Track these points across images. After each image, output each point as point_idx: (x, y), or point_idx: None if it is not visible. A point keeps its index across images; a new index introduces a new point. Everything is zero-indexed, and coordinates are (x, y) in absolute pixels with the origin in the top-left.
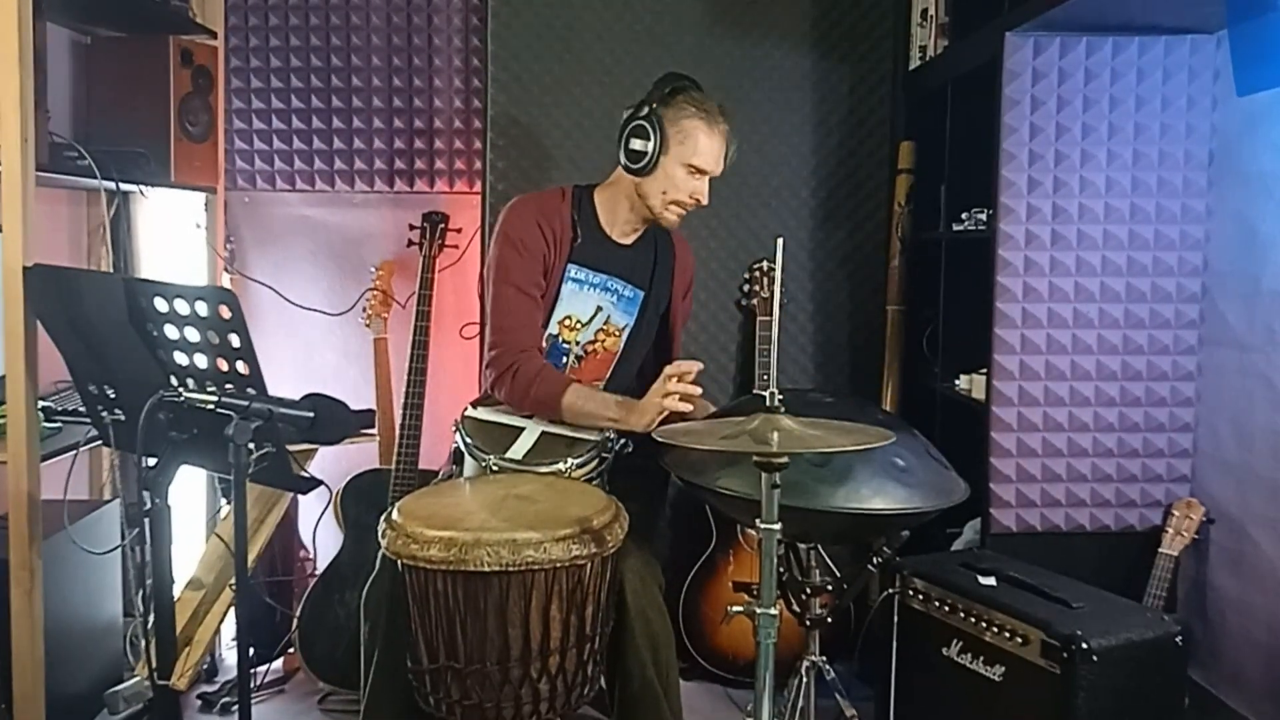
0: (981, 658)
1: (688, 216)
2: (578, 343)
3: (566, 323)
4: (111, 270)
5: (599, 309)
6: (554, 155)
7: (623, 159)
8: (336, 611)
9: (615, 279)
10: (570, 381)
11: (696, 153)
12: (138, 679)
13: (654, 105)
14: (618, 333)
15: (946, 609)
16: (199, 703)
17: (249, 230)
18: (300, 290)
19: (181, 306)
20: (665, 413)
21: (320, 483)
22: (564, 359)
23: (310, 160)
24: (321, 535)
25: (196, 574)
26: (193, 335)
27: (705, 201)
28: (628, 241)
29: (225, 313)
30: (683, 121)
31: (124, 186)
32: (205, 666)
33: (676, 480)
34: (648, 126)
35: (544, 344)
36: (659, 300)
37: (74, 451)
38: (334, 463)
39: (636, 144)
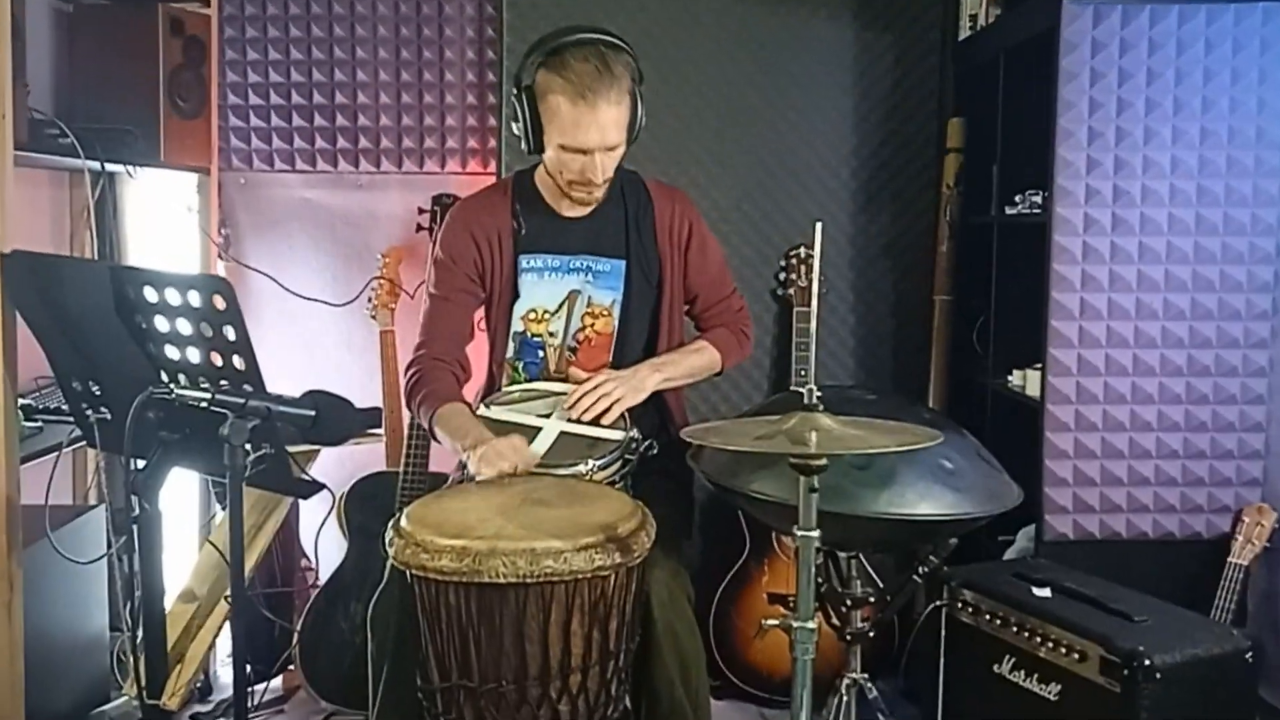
0: (1036, 675)
1: (713, 198)
2: (553, 334)
3: (531, 316)
4: (96, 257)
5: (573, 293)
6: None
7: None
8: (340, 626)
9: (581, 256)
10: (451, 401)
11: (562, 131)
12: (125, 698)
13: (522, 79)
14: (606, 312)
15: (998, 623)
16: None
17: (245, 214)
18: (300, 279)
19: (173, 296)
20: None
21: (322, 486)
22: (540, 353)
23: (311, 138)
24: (324, 543)
25: (189, 585)
26: (185, 327)
27: (600, 179)
28: (584, 213)
29: (220, 303)
30: (549, 97)
31: (110, 167)
32: (198, 685)
33: (706, 484)
34: (516, 106)
35: (511, 343)
36: (646, 264)
37: (56, 453)
38: (337, 465)
39: (515, 126)
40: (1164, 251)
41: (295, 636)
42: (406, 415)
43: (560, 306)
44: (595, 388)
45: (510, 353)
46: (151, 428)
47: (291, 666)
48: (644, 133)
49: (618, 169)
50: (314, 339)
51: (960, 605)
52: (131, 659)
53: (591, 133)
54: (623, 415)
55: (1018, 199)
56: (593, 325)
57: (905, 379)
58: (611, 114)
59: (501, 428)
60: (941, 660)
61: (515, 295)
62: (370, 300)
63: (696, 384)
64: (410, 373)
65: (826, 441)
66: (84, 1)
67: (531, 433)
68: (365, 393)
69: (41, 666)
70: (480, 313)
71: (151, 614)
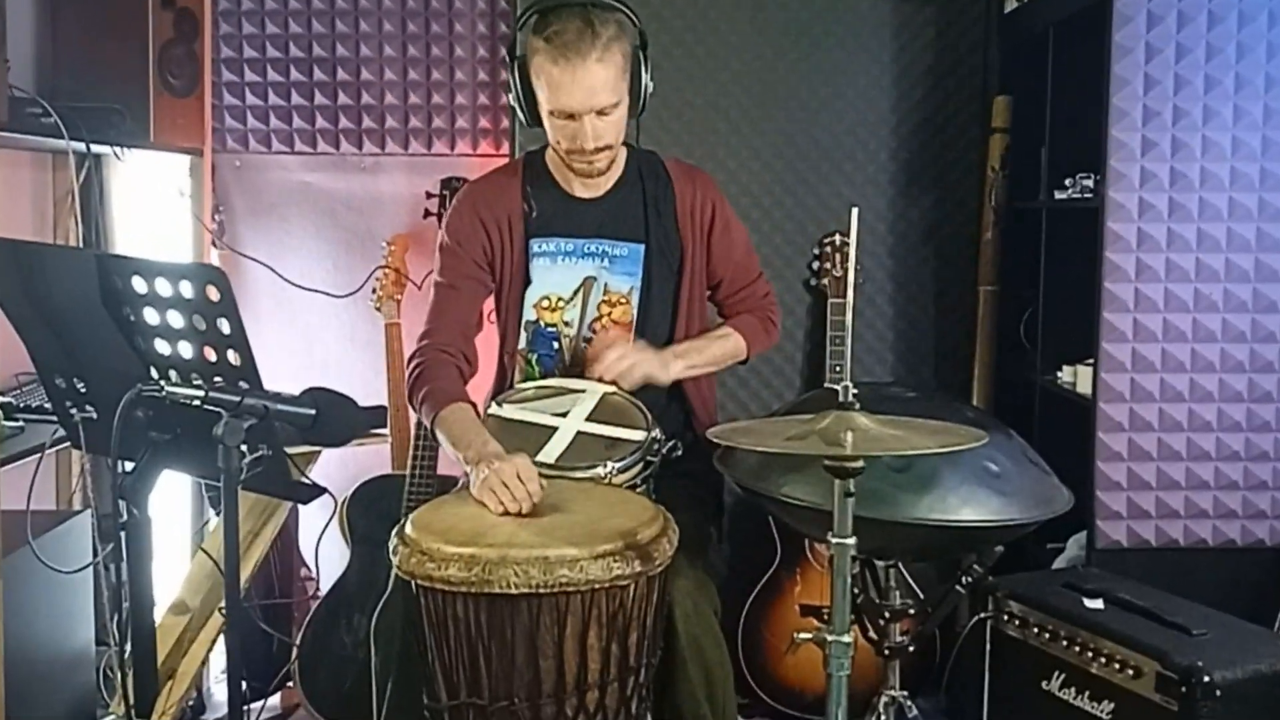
0: (1087, 692)
1: (741, 182)
2: (568, 323)
3: (545, 304)
4: (82, 245)
5: (588, 280)
6: None
7: None
8: (343, 639)
9: (597, 240)
10: (455, 401)
11: (549, 94)
12: (113, 717)
13: (514, 50)
14: (624, 299)
15: (1047, 636)
16: None
17: (241, 199)
18: (300, 268)
19: (163, 287)
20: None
21: (324, 491)
22: (555, 344)
23: (311, 118)
24: (325, 551)
25: (181, 596)
26: (176, 320)
27: (592, 145)
28: (598, 194)
29: (213, 294)
30: (534, 61)
31: (95, 148)
32: (191, 703)
33: (734, 487)
34: (509, 78)
35: (524, 333)
36: (667, 249)
37: (39, 455)
38: (339, 468)
39: (510, 98)
40: (1224, 239)
41: (294, 651)
42: (414, 414)
43: (575, 294)
44: (619, 348)
45: (523, 344)
46: (140, 427)
47: (290, 683)
48: (666, 112)
49: (632, 147)
50: (314, 332)
51: (1006, 618)
52: (119, 675)
53: (575, 94)
54: (644, 414)
55: (1068, 183)
56: (610, 314)
57: (947, 375)
58: (598, 74)
59: (514, 427)
60: (986, 676)
61: (527, 282)
62: (374, 291)
63: (723, 381)
64: (413, 365)
65: (863, 442)
66: None
67: (546, 433)
68: (369, 390)
69: (22, 684)
70: (490, 304)
71: (140, 627)
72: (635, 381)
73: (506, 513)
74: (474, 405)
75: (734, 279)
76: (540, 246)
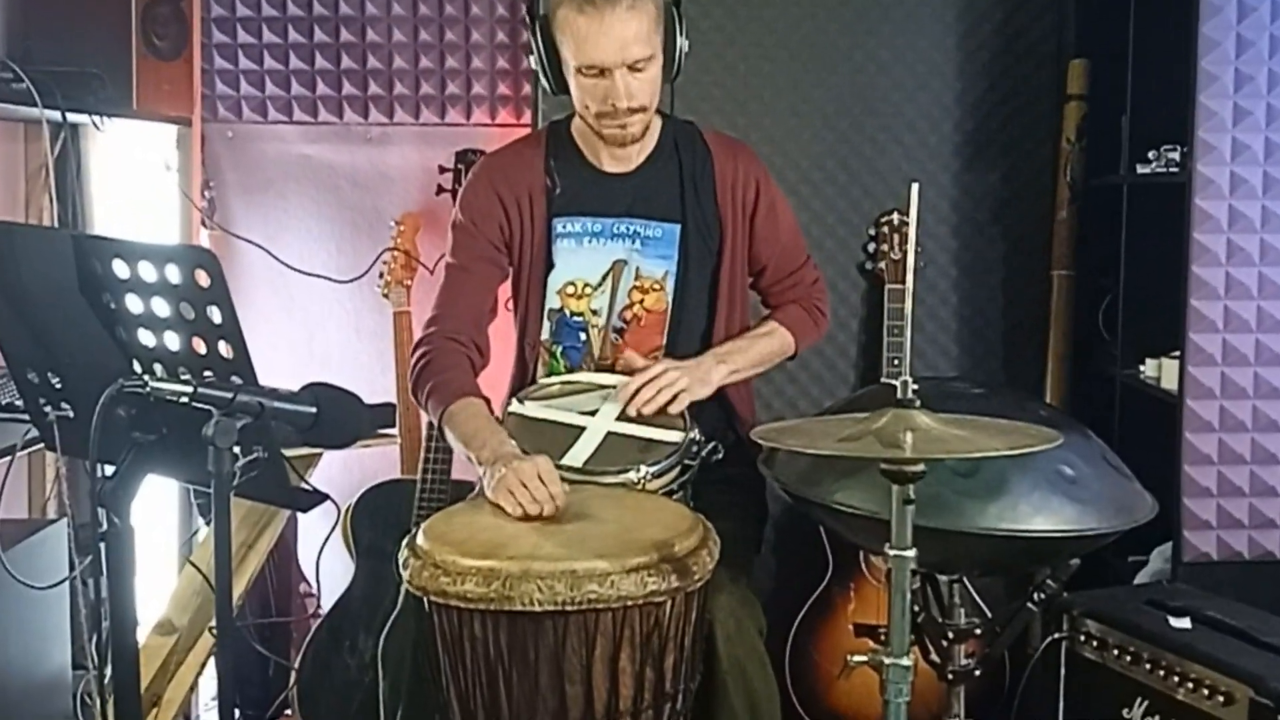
0: None
1: (789, 155)
2: (595, 311)
3: (570, 290)
4: (56, 224)
5: (618, 263)
6: None
7: None
8: (346, 662)
9: (627, 219)
10: (465, 396)
11: (575, 49)
12: None
13: (535, 7)
14: (657, 286)
15: (1128, 659)
16: None
17: (234, 173)
18: (299, 251)
19: (147, 271)
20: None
21: (325, 497)
22: (582, 336)
23: (312, 83)
24: (327, 565)
25: (167, 615)
26: (161, 308)
27: (625, 103)
28: (629, 168)
29: (203, 279)
30: (559, 15)
31: (72, 117)
32: None
33: (781, 494)
34: (531, 39)
35: (547, 322)
36: (705, 230)
37: (9, 457)
38: (343, 472)
39: (533, 61)
40: None
41: (293, 675)
42: (423, 411)
43: (604, 279)
44: (654, 377)
45: (546, 334)
46: (122, 427)
47: (289, 711)
48: (706, 78)
49: (667, 116)
50: (315, 322)
51: (1083, 638)
52: (98, 702)
53: (605, 45)
54: (682, 413)
55: (1151, 156)
56: (641, 302)
57: (1017, 369)
58: (629, 23)
59: (537, 427)
60: (1061, 704)
61: (549, 265)
62: (382, 276)
63: (768, 375)
64: (419, 355)
65: (924, 443)
66: None
67: (573, 433)
68: (376, 386)
69: None
70: (507, 291)
71: (122, 649)
72: (680, 407)
73: (526, 516)
74: (487, 400)
75: (779, 265)
76: (565, 226)
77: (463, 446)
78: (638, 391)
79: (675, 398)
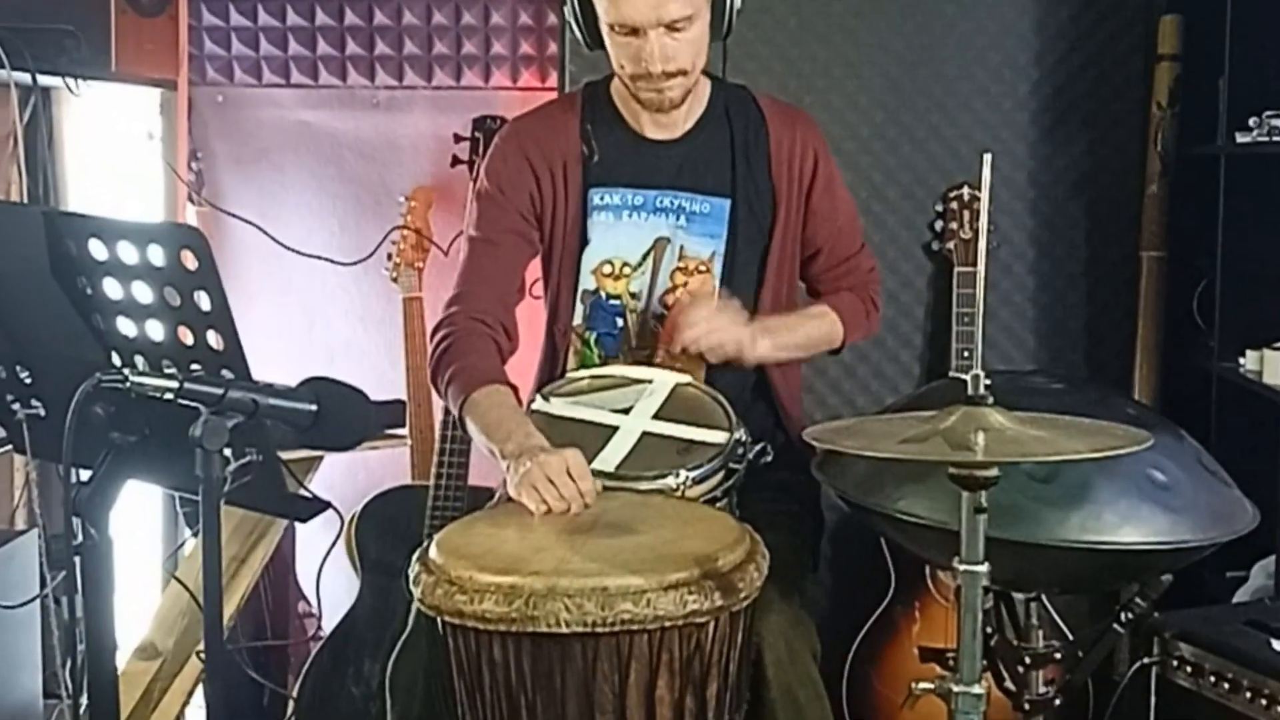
0: None
1: (847, 122)
2: (634, 294)
3: (606, 270)
4: (26, 200)
5: (661, 241)
6: None
7: None
8: (350, 691)
9: (672, 192)
10: (491, 383)
11: (608, 4)
12: None
13: None
14: (704, 267)
15: (1226, 686)
16: None
17: (224, 143)
18: (297, 229)
19: (127, 252)
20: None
21: (327, 506)
22: (618, 321)
23: (312, 42)
24: (329, 581)
25: (149, 637)
26: (143, 294)
27: (660, 68)
28: (675, 135)
29: (190, 261)
30: None
31: (43, 79)
32: None
33: (837, 501)
34: None
35: (580, 305)
36: (758, 205)
37: None
38: (347, 476)
39: (568, 11)
40: None
41: (290, 705)
42: (439, 409)
43: (644, 258)
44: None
45: (578, 319)
46: (100, 427)
47: None
48: (757, 38)
49: (717, 79)
50: (316, 309)
51: (1176, 663)
52: None
53: (636, 2)
54: (726, 411)
55: (1252, 123)
56: (685, 285)
57: (1102, 362)
58: None
59: (565, 427)
60: None
61: (584, 242)
62: (390, 258)
63: (823, 369)
64: (440, 337)
65: (998, 445)
66: None
67: (605, 434)
68: (383, 381)
69: None
70: (533, 275)
71: (99, 675)
72: (722, 355)
73: (550, 513)
74: (514, 389)
75: (835, 249)
76: (602, 198)
77: (484, 439)
78: (677, 327)
79: (723, 342)
